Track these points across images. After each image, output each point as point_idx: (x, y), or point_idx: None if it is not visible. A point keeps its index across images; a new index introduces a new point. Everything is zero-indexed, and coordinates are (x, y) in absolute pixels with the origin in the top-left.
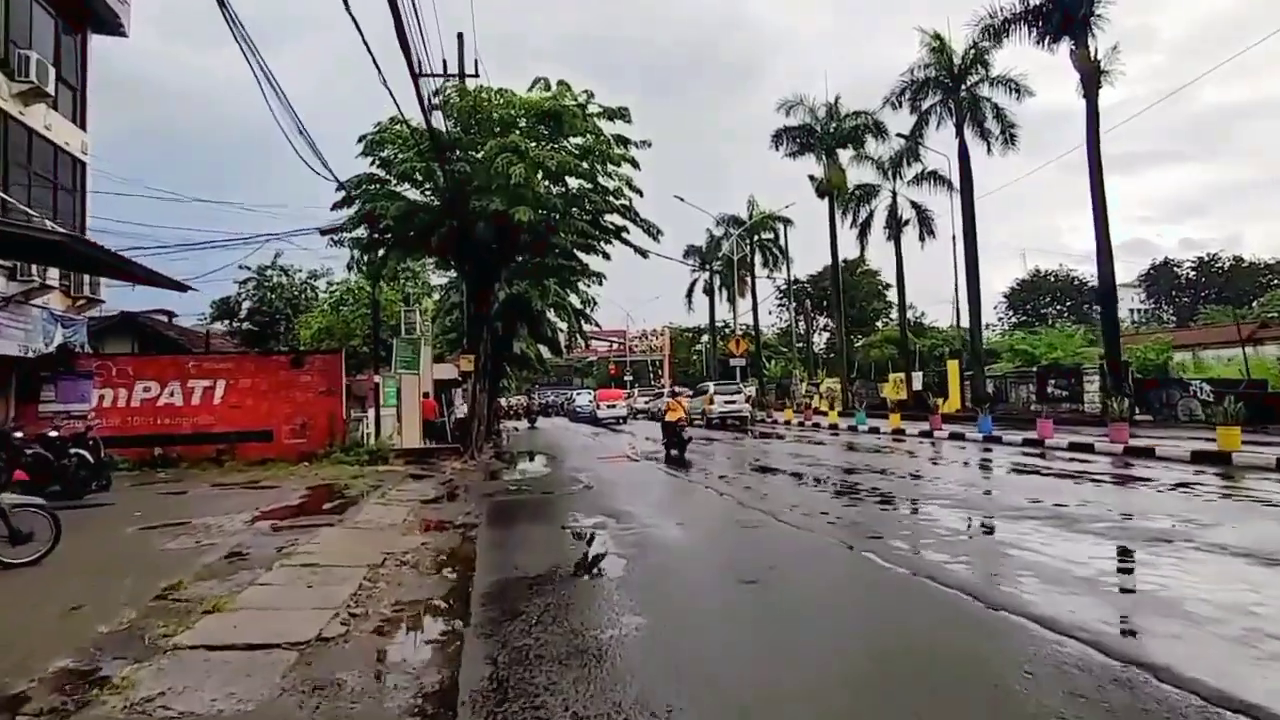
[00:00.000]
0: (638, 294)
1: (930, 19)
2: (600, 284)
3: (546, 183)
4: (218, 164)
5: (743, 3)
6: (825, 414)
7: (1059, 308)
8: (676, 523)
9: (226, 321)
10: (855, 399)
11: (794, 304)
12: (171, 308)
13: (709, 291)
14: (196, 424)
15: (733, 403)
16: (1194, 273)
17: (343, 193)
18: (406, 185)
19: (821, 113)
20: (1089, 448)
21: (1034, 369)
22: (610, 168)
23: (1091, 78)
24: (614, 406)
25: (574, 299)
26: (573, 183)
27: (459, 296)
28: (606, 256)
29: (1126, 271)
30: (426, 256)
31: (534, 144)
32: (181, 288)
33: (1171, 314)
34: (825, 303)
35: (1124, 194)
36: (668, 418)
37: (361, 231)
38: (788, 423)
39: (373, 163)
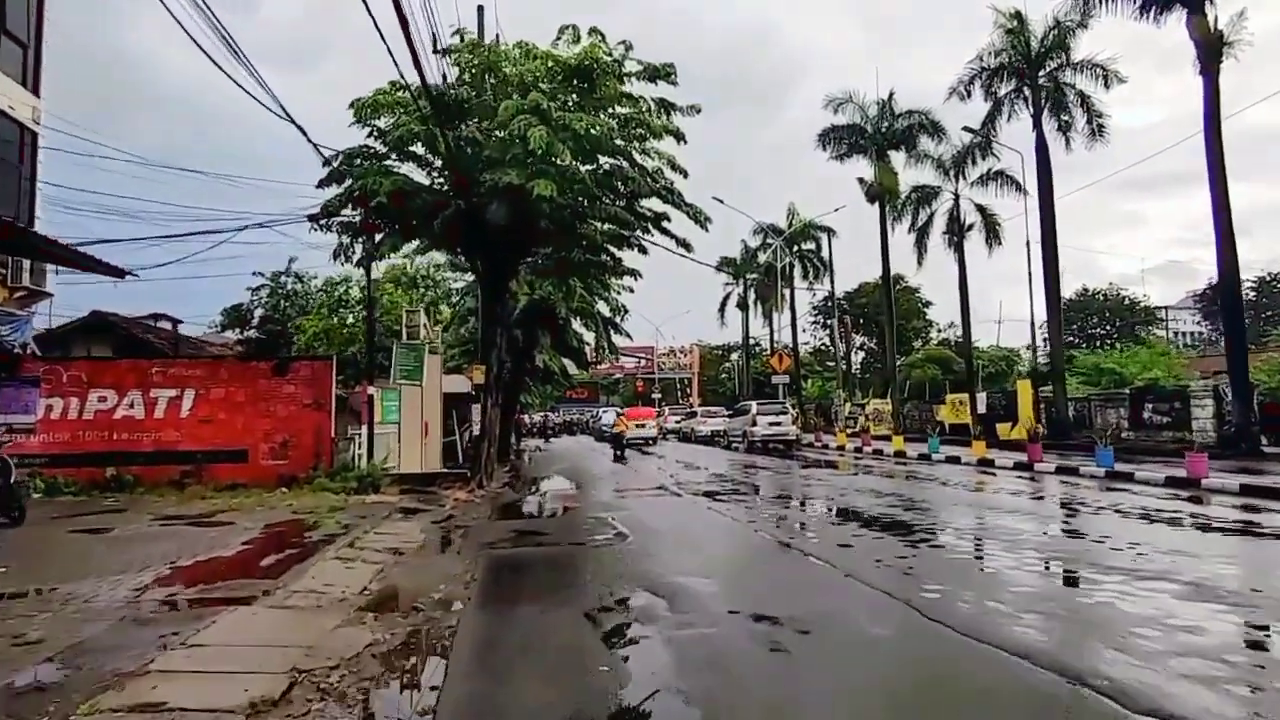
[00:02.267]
0: (666, 309)
1: (960, 37)
2: (636, 280)
3: (575, 161)
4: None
5: (774, 21)
6: (888, 438)
7: (1108, 328)
8: (762, 616)
9: (238, 330)
10: (907, 421)
11: (837, 318)
12: (177, 314)
13: (743, 306)
14: (159, 440)
15: (778, 424)
16: (1254, 293)
17: (329, 170)
18: (405, 162)
19: (872, 111)
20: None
21: (1126, 391)
22: (650, 143)
23: (1212, 49)
24: (643, 426)
25: (602, 306)
26: (604, 161)
27: (475, 301)
28: (643, 250)
29: (1163, 295)
30: (434, 249)
31: (559, 106)
32: (119, 273)
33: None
34: (862, 320)
35: (1159, 216)
36: (615, 430)
37: (351, 213)
38: (841, 448)
39: (370, 134)
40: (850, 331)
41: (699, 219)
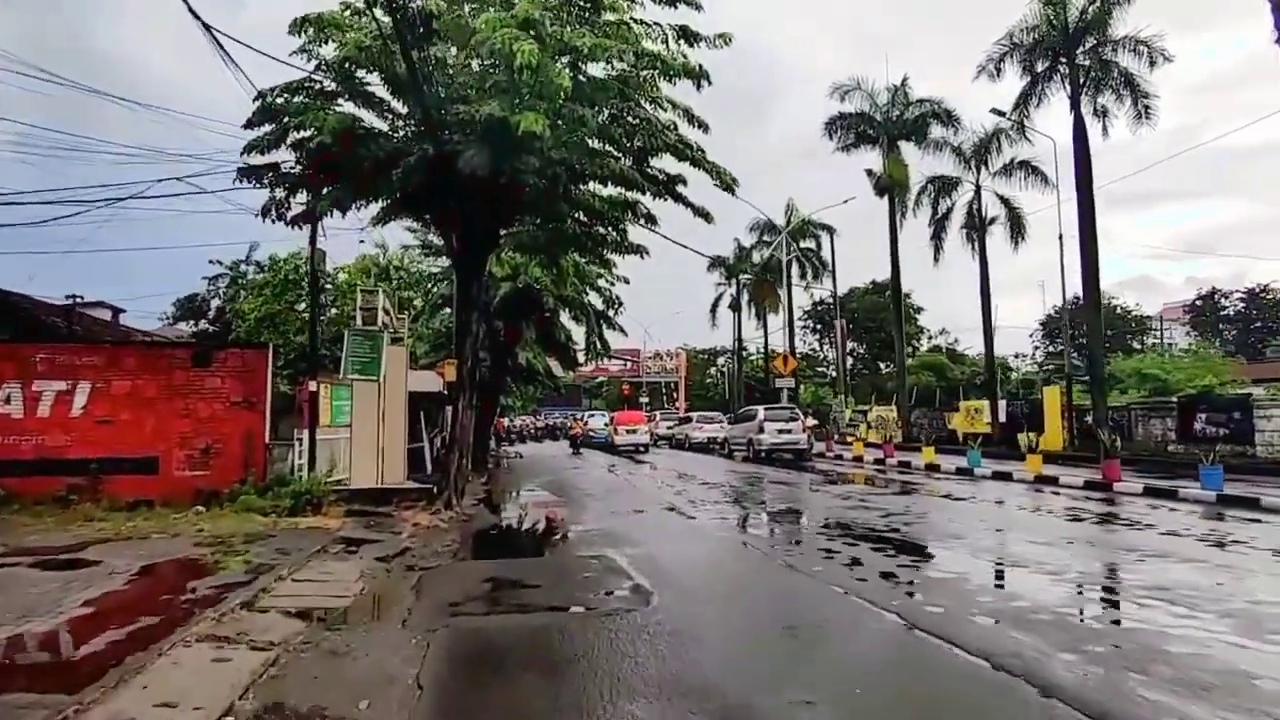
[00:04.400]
0: (654, 311)
1: (938, 54)
2: (642, 258)
3: (573, 84)
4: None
5: (757, 34)
6: (917, 449)
7: (1110, 334)
8: None
9: (192, 323)
10: (915, 430)
11: (840, 319)
12: (118, 303)
13: (735, 307)
14: (42, 445)
15: (787, 431)
16: (1243, 304)
17: (259, 104)
18: (362, 108)
19: (882, 99)
20: None
21: (1173, 400)
22: (664, 89)
23: None
24: (634, 432)
25: (594, 298)
26: (609, 102)
27: (450, 288)
28: (651, 221)
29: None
30: (394, 216)
31: (554, 17)
32: None
33: (1218, 347)
34: (851, 326)
35: (1129, 231)
36: (572, 432)
37: (290, 164)
38: (859, 459)
39: (317, 67)
40: (846, 336)
41: (725, 181)
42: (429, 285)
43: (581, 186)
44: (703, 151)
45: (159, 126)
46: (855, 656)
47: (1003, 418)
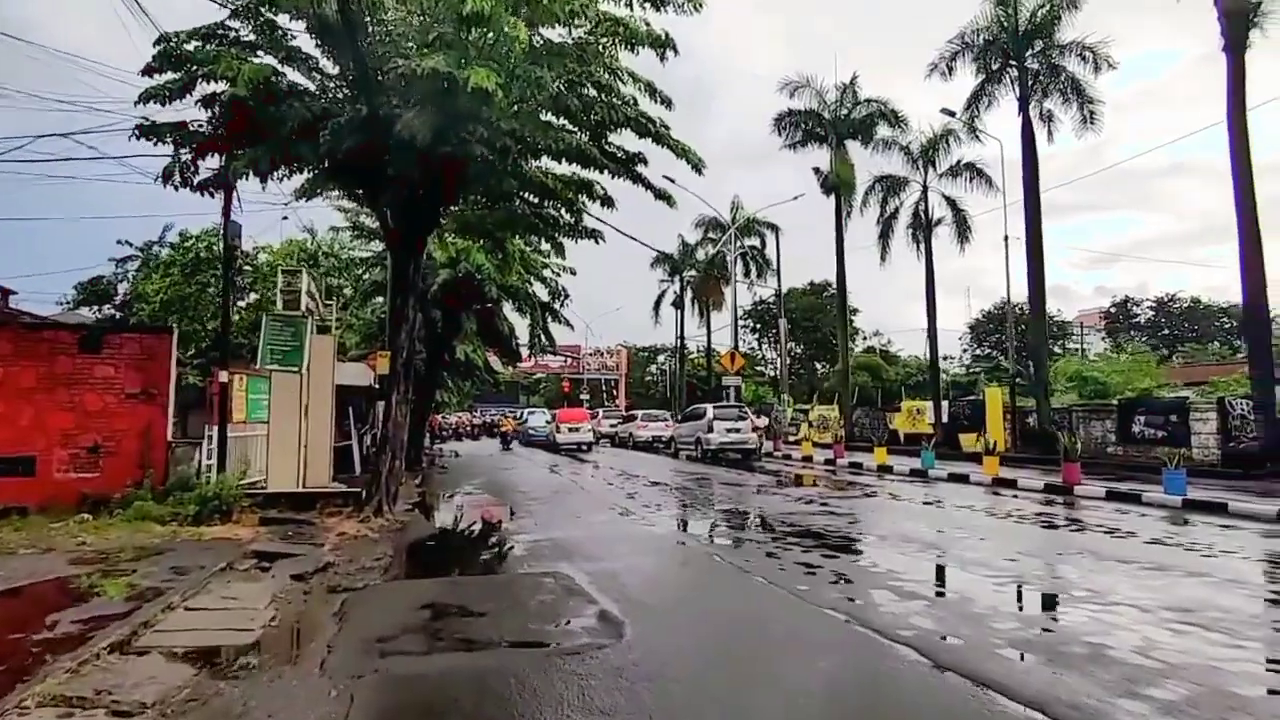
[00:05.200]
0: (594, 307)
1: (875, 58)
2: (596, 244)
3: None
4: None
5: (692, 34)
6: (865, 450)
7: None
8: None
9: (95, 308)
10: (856, 430)
11: (783, 318)
12: (8, 283)
13: (678, 304)
14: None
15: (736, 431)
16: (1153, 312)
17: (160, 48)
18: (286, 65)
19: (831, 96)
20: None
21: (1114, 402)
22: (624, 61)
23: (1239, 21)
24: (577, 430)
25: (539, 288)
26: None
27: (384, 274)
28: (608, 204)
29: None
30: (322, 188)
31: None
32: None
33: (1130, 352)
34: (790, 326)
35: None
36: (502, 429)
37: (197, 117)
38: (808, 459)
39: (235, 12)
40: (784, 340)
41: (691, 159)
42: (360, 271)
43: (533, 162)
44: (666, 127)
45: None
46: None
47: (944, 418)
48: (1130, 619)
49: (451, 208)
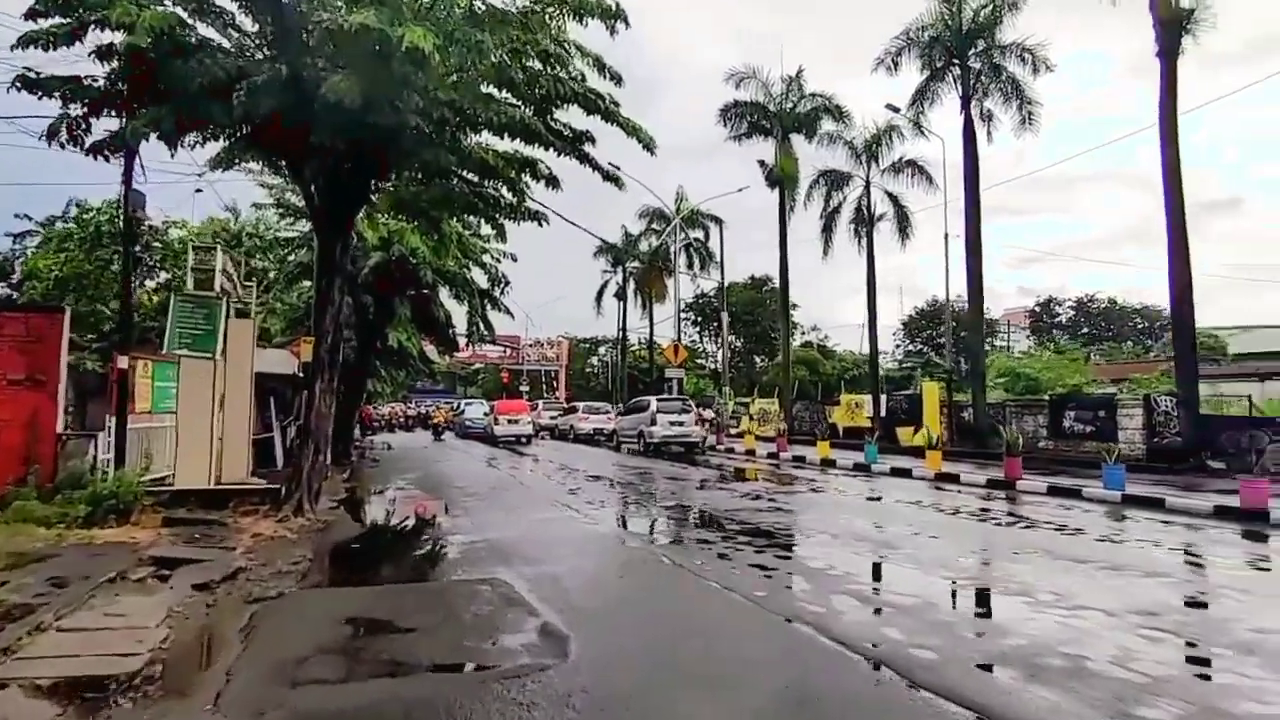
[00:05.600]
0: (535, 297)
1: (816, 54)
2: (540, 225)
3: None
4: None
5: (634, 28)
6: (807, 443)
7: (964, 335)
8: None
9: None
10: (797, 423)
11: (726, 311)
12: None
13: (620, 296)
14: None
15: (680, 424)
16: (1073, 311)
17: None
18: (199, 20)
19: (776, 89)
20: None
21: (1046, 397)
22: (572, 33)
23: (1173, 28)
24: (516, 422)
25: (478, 274)
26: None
27: (310, 255)
28: (553, 184)
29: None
30: (239, 158)
31: None
32: None
33: (1057, 349)
34: (730, 320)
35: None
36: (433, 421)
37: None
38: (751, 453)
39: None
40: (725, 333)
41: (643, 139)
42: (285, 252)
43: (473, 136)
44: (616, 104)
45: None
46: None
47: (882, 412)
48: (1100, 625)
49: (383, 184)
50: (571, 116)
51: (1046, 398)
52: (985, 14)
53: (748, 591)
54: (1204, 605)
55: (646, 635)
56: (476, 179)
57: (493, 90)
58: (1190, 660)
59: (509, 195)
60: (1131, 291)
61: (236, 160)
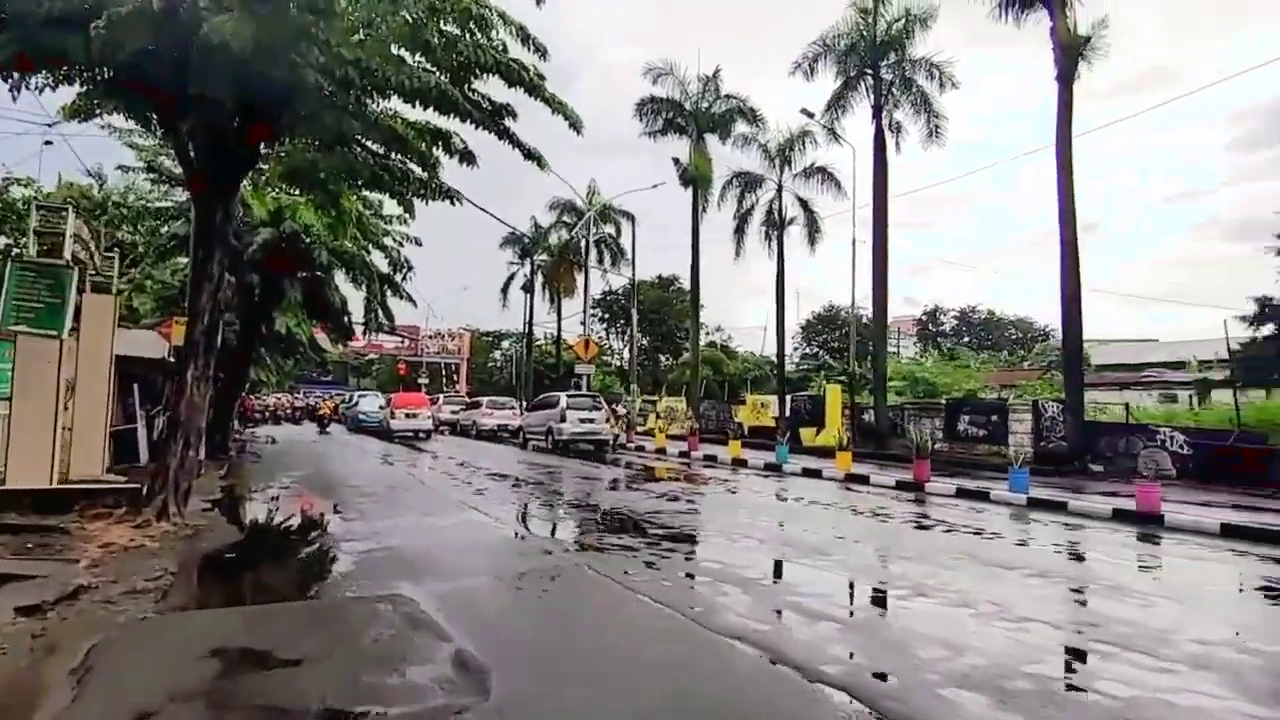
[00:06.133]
0: (438, 285)
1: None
2: (455, 206)
3: None
4: None
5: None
6: (717, 442)
7: (858, 340)
8: None
9: None
10: (704, 422)
11: (635, 308)
12: None
13: (528, 289)
14: None
15: (590, 421)
16: (956, 321)
17: None
18: None
19: (693, 88)
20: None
21: (942, 401)
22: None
23: (1071, 54)
24: (415, 416)
25: (378, 258)
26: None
27: (186, 227)
28: (469, 160)
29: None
30: (102, 107)
31: None
32: None
33: (945, 356)
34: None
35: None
36: (319, 412)
37: None
38: (661, 451)
39: None
40: (634, 331)
41: (570, 117)
42: (158, 223)
43: (382, 102)
44: (542, 78)
45: None
46: None
47: (787, 412)
48: (1049, 639)
49: (275, 148)
50: (491, 89)
51: (943, 401)
52: (898, 27)
53: (685, 608)
54: (1139, 614)
55: (581, 665)
56: (383, 150)
57: (405, 54)
58: (1151, 680)
59: (419, 170)
60: (1008, 303)
61: (97, 110)
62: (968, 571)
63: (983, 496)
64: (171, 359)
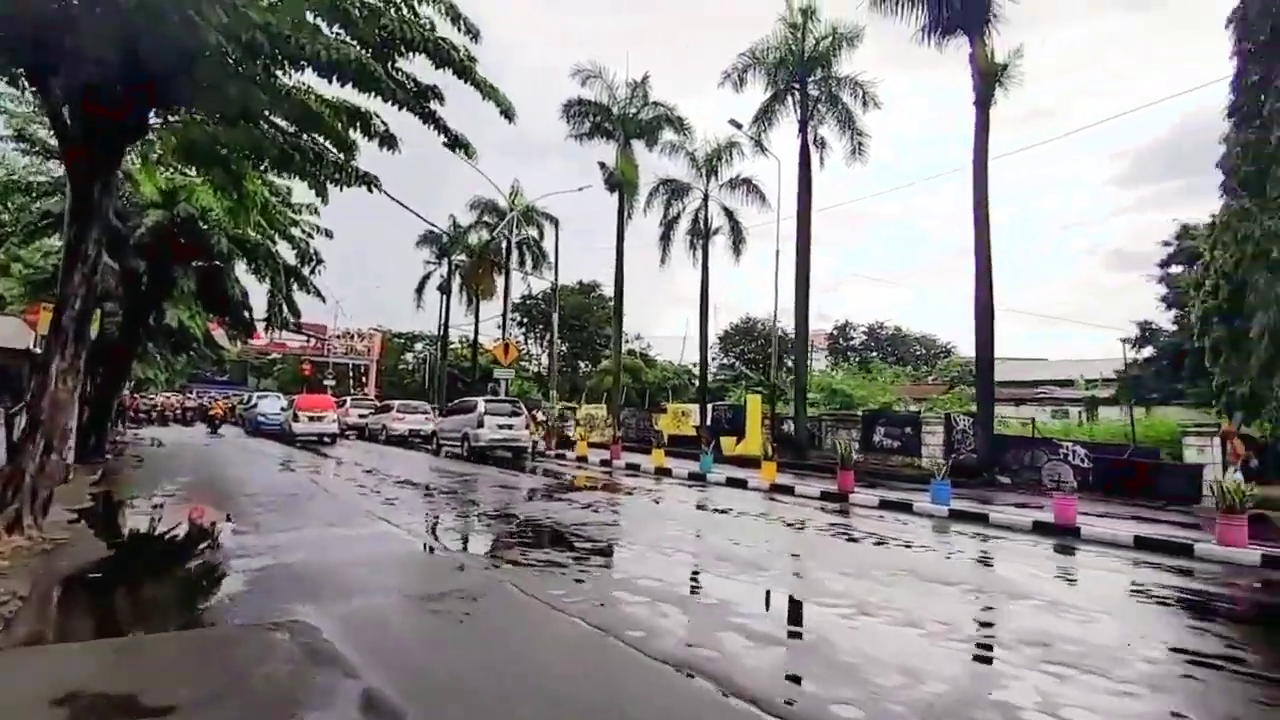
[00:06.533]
0: (346, 283)
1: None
2: (373, 193)
3: None
4: None
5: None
6: (639, 451)
7: (771, 352)
8: None
9: None
10: (624, 430)
11: (556, 313)
12: None
13: (444, 290)
14: None
15: (509, 427)
16: (865, 336)
17: None
18: None
19: (621, 93)
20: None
21: (859, 413)
22: None
23: (989, 80)
24: (320, 419)
25: (285, 250)
26: None
27: (62, 204)
28: (389, 144)
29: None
30: None
31: None
32: None
33: (848, 370)
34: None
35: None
36: (211, 412)
37: None
38: (582, 459)
39: None
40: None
41: (502, 103)
42: (29, 199)
43: (295, 75)
44: (473, 60)
45: None
46: None
47: (708, 421)
48: (1006, 662)
49: (169, 117)
50: (417, 69)
51: (859, 413)
52: (826, 44)
53: (623, 632)
54: (1081, 631)
55: (512, 705)
56: (294, 128)
57: (323, 24)
58: (1113, 705)
59: (336, 152)
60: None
61: None
62: (908, 588)
63: (906, 508)
64: (39, 350)
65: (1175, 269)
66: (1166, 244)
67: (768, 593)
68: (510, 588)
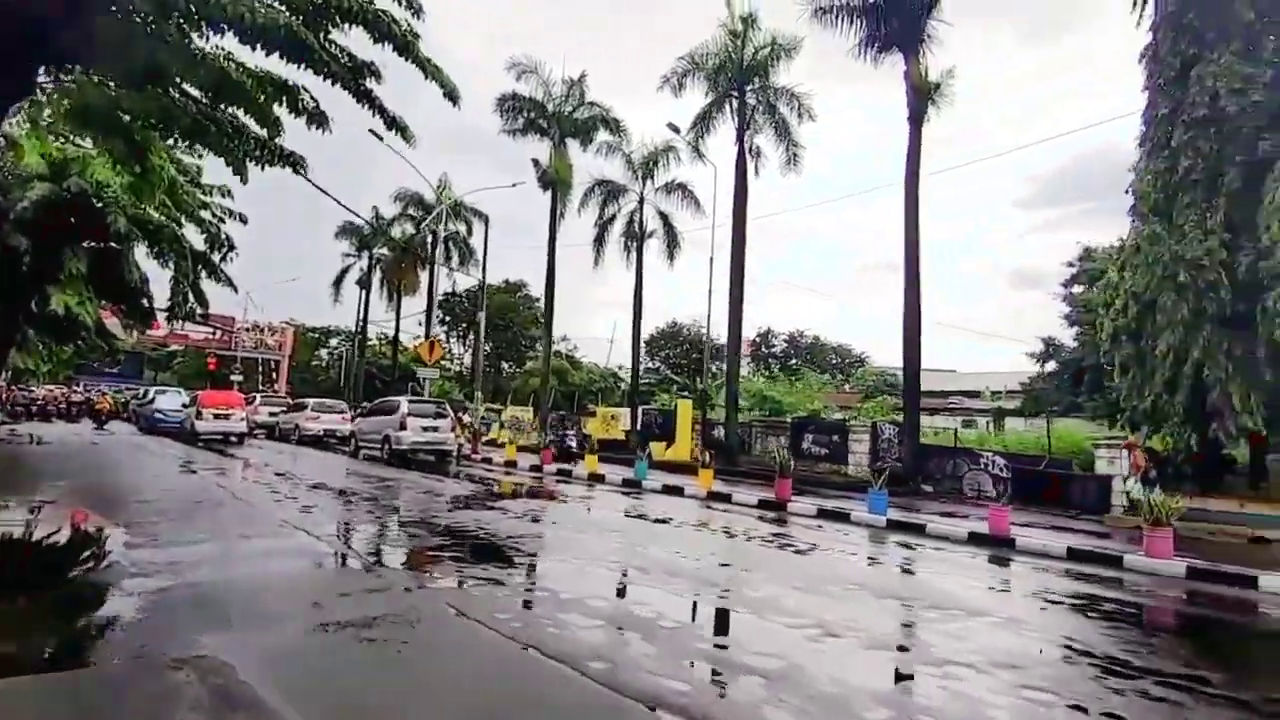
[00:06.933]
0: (258, 273)
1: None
2: (301, 175)
3: None
4: None
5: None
6: (579, 457)
7: (696, 357)
8: None
9: None
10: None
11: (484, 312)
12: None
13: (364, 284)
14: None
15: (434, 429)
16: (786, 344)
17: None
18: None
19: (557, 90)
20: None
21: (788, 420)
22: None
23: (923, 98)
24: (226, 417)
25: (192, 234)
26: None
27: None
28: (319, 122)
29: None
30: None
31: None
32: None
33: (769, 376)
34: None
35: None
36: (97, 407)
37: None
38: (511, 464)
39: None
40: (481, 335)
41: (446, 85)
42: None
43: (213, 38)
44: (416, 36)
45: None
46: None
47: (638, 426)
48: (979, 687)
49: (61, 76)
50: (353, 44)
51: (789, 420)
52: (764, 54)
53: (581, 662)
54: (1038, 650)
55: None
56: (210, 97)
57: None
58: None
59: (257, 128)
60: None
61: None
62: (864, 604)
63: (844, 518)
64: None
65: (1077, 289)
66: (1070, 264)
67: (726, 615)
68: (450, 610)
